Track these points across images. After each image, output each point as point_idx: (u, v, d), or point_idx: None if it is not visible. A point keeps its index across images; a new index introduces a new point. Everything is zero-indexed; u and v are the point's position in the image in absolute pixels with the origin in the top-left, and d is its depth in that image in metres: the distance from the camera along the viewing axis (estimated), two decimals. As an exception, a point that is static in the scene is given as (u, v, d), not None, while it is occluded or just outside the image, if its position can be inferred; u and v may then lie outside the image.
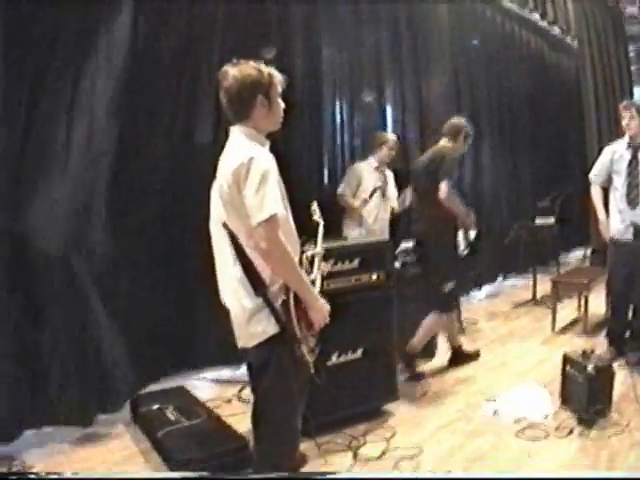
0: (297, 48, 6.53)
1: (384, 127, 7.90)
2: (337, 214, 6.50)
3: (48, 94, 4.52)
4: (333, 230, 5.67)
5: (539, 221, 7.62)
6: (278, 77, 3.19)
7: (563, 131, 7.68)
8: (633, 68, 14.82)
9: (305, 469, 3.96)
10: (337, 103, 7.47)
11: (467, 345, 6.45)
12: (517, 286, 7.33)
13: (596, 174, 6.06)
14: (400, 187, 6.90)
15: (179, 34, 5.47)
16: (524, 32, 10.71)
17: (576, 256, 11.01)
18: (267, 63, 3.19)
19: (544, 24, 11.03)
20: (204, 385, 5.68)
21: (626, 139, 5.81)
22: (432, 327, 5.88)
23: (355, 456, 4.25)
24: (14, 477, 3.38)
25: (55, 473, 3.75)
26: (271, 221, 2.90)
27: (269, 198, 2.91)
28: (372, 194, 6.50)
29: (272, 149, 3.22)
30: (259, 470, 3.48)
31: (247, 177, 2.92)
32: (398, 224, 6.98)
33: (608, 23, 12.10)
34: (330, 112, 7.35)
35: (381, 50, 7.79)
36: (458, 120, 6.08)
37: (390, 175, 6.83)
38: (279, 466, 3.37)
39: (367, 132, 7.34)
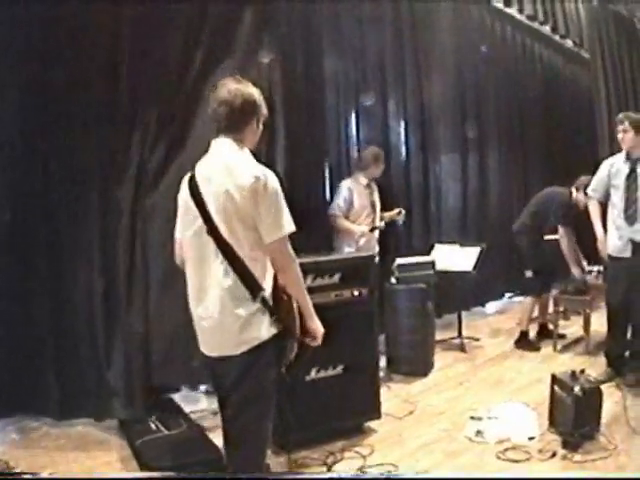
0: (298, 54, 6.48)
1: (386, 138, 7.84)
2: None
3: None
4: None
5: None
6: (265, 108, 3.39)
7: (575, 144, 7.60)
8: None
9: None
10: (340, 112, 7.40)
11: (465, 362, 6.48)
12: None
13: (594, 189, 5.96)
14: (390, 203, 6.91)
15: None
16: (536, 44, 10.72)
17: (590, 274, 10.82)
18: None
19: (556, 37, 11.00)
20: (196, 396, 5.72)
21: (624, 152, 5.71)
22: (524, 307, 7.40)
23: (329, 471, 4.23)
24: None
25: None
26: (285, 237, 3.14)
27: (285, 216, 3.14)
28: (372, 230, 6.40)
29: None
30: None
31: (265, 194, 3.07)
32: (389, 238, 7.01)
33: (622, 35, 11.99)
34: (333, 121, 7.29)
35: (384, 59, 7.77)
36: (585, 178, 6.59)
37: (376, 189, 6.70)
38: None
39: (370, 142, 7.27)
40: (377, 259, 6.22)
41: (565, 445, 4.46)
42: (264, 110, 3.34)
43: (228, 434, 3.41)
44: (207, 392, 5.70)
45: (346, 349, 4.68)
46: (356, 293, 4.73)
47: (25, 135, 4.93)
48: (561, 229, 6.89)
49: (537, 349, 7.02)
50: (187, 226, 3.26)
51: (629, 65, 12.34)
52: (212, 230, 3.13)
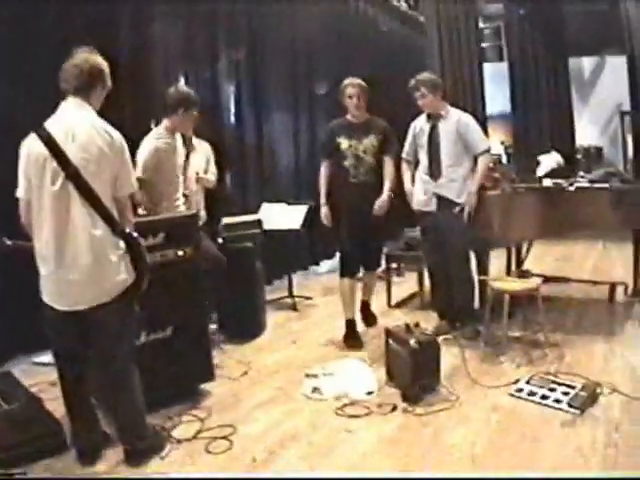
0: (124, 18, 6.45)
1: (217, 103, 7.84)
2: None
3: None
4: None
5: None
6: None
7: (405, 104, 7.72)
8: (487, 45, 15.33)
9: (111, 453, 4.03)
10: (169, 76, 7.20)
11: (297, 321, 6.73)
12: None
13: (407, 152, 6.23)
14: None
15: None
16: (369, 7, 10.87)
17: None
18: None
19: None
20: (35, 368, 5.59)
21: (425, 113, 5.99)
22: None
23: (168, 437, 4.19)
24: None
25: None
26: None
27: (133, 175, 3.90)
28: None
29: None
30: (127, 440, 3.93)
31: (125, 154, 3.74)
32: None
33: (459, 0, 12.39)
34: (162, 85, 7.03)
35: (216, 21, 7.77)
36: None
37: (201, 148, 6.50)
38: (144, 430, 3.98)
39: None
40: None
41: (405, 398, 4.59)
42: (109, 81, 3.81)
43: (103, 381, 3.95)
44: (45, 364, 5.53)
45: (174, 310, 4.64)
46: (180, 253, 4.67)
47: None
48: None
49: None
50: (42, 183, 3.53)
51: (465, 29, 12.76)
52: (80, 183, 3.51)
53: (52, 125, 3.58)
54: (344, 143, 5.95)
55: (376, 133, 5.98)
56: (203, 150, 6.55)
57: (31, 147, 3.55)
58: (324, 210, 6.03)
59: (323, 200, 6.05)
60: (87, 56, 3.69)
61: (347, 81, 6.02)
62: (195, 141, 6.35)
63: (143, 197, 5.23)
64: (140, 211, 5.25)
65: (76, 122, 3.58)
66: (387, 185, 5.97)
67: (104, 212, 3.58)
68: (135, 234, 3.73)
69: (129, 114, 6.24)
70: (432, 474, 3.73)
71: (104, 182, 3.59)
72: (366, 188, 5.91)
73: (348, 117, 6.06)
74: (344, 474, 3.77)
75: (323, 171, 6.13)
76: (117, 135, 3.68)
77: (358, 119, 6.01)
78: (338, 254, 6.34)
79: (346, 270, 6.05)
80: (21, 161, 3.60)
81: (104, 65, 3.76)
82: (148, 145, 5.30)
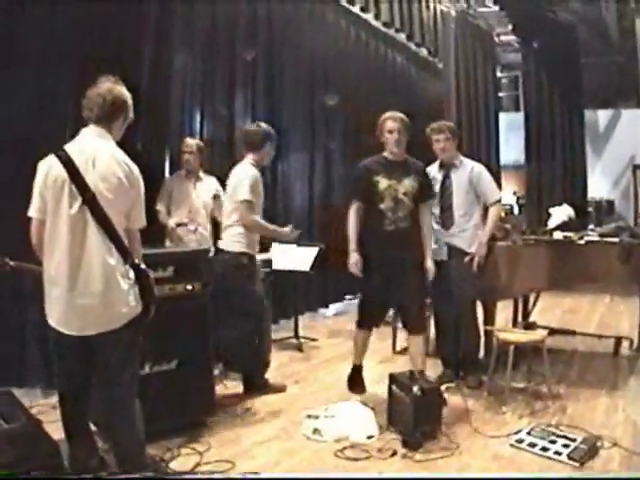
0: (146, 51, 6.58)
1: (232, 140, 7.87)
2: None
3: None
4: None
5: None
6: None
7: (421, 152, 7.81)
8: (504, 94, 15.48)
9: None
10: (186, 111, 7.47)
11: (301, 362, 6.72)
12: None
13: None
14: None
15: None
16: (390, 50, 11.06)
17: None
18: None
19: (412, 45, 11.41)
20: (35, 391, 5.60)
21: (439, 161, 6.04)
22: None
23: (166, 468, 4.21)
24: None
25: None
26: None
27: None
28: (178, 225, 6.35)
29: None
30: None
31: (141, 187, 3.77)
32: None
33: (478, 48, 12.55)
34: (179, 119, 7.33)
35: (234, 57, 7.90)
36: None
37: (208, 182, 6.71)
38: (143, 459, 3.91)
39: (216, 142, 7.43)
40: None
41: (405, 444, 4.60)
42: (131, 113, 3.84)
43: (104, 407, 3.90)
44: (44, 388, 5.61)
45: (180, 344, 4.71)
46: (189, 287, 4.77)
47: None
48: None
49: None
50: (59, 205, 3.55)
51: (482, 77, 12.91)
52: (97, 210, 3.54)
53: (72, 149, 3.60)
54: (382, 183, 5.43)
55: (415, 174, 5.52)
56: (210, 184, 6.71)
57: (51, 167, 3.55)
58: (355, 257, 5.45)
59: (353, 246, 5.47)
60: (111, 86, 3.71)
61: (387, 114, 5.58)
62: (202, 175, 6.63)
63: (253, 218, 5.49)
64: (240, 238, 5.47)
65: (97, 150, 3.61)
66: (428, 252, 5.56)
67: (118, 241, 3.61)
68: (144, 266, 3.74)
69: (143, 145, 6.41)
70: (432, 474, 3.83)
71: (119, 213, 3.62)
72: (402, 236, 5.42)
73: (385, 154, 5.58)
74: (345, 474, 3.87)
75: (353, 215, 5.56)
76: (135, 168, 3.71)
77: (397, 157, 5.53)
78: (358, 302, 5.88)
79: (365, 322, 5.77)
80: (37, 180, 3.59)
81: (127, 97, 3.78)
82: (249, 172, 5.54)
